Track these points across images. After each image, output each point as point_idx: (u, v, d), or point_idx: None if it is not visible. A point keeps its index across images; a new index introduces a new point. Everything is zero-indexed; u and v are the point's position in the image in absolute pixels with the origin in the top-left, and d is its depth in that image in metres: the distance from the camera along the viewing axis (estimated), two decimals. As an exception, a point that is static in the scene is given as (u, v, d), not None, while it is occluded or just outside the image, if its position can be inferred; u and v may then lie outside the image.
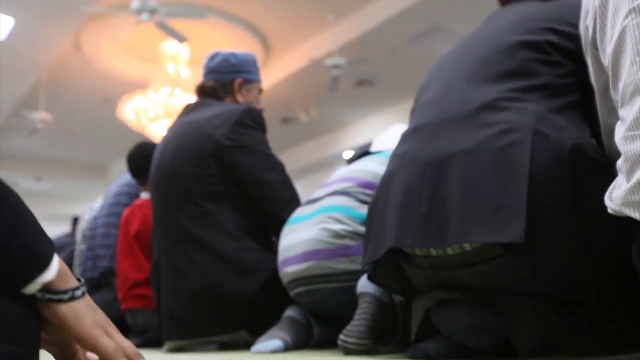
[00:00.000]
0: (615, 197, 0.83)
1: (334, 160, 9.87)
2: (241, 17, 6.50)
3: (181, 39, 6.11)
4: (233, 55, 2.12)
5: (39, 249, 0.65)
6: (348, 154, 9.33)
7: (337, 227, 1.53)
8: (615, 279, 1.01)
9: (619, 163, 0.83)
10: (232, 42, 6.86)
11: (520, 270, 1.04)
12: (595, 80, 1.06)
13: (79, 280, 0.71)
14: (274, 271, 1.76)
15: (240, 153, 1.86)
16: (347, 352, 1.36)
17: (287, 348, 1.59)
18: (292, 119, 8.55)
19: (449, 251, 1.08)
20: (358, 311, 1.40)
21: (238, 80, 2.10)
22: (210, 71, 2.13)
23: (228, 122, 1.87)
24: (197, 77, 8.59)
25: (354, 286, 1.46)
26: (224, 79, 2.09)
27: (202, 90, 2.08)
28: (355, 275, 1.48)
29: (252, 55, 2.19)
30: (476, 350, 1.09)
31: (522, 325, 1.08)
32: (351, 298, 1.47)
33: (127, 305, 2.30)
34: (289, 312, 1.68)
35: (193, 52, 6.81)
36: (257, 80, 2.16)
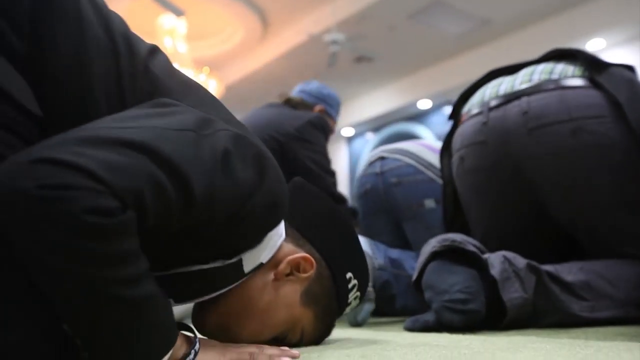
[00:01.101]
0: None
1: (333, 137, 9.84)
2: (239, -9, 6.41)
3: (178, 13, 6.03)
4: (325, 87, 2.57)
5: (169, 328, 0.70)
6: (346, 131, 9.17)
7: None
8: None
9: None
10: (230, 17, 6.78)
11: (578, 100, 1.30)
12: None
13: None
14: None
15: (301, 145, 2.12)
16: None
17: None
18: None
19: (517, 84, 1.37)
20: None
21: (319, 107, 2.49)
22: (302, 90, 2.54)
23: (303, 118, 2.19)
24: (194, 51, 8.33)
25: (421, 175, 1.86)
26: (310, 100, 2.47)
27: (287, 100, 2.42)
28: (428, 169, 1.87)
29: (339, 98, 2.68)
30: (473, 323, 1.10)
31: (515, 282, 1.10)
32: (410, 185, 1.88)
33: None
34: None
35: (190, 26, 6.72)
36: (334, 119, 2.58)
